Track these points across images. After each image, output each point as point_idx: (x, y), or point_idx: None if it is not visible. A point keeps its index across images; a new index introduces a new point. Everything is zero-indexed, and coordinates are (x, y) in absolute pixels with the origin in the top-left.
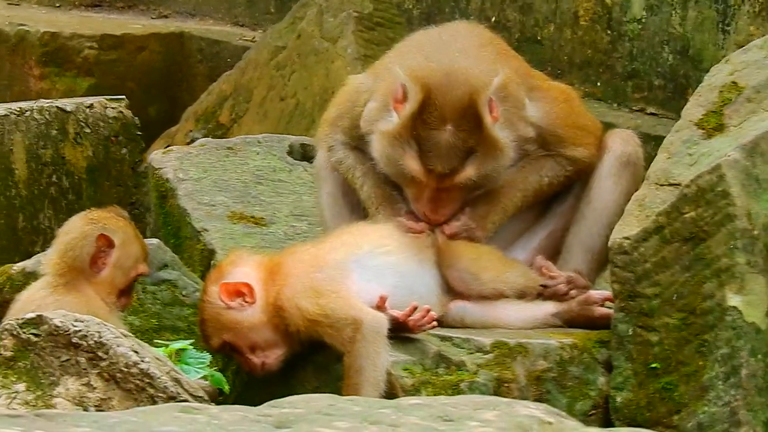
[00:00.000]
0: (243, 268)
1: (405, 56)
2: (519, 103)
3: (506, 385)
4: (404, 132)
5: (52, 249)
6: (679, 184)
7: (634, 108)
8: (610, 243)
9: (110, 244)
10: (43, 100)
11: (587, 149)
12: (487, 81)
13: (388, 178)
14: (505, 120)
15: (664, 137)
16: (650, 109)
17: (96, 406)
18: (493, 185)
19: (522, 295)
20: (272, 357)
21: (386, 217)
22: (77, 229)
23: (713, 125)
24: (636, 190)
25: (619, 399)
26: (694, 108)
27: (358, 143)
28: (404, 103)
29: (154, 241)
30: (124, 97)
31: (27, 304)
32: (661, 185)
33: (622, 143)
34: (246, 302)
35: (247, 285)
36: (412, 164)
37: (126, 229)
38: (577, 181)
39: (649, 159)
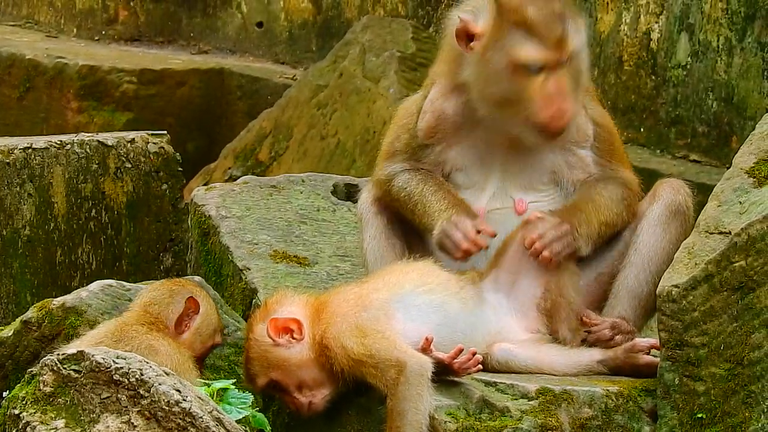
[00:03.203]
0: (290, 306)
1: None
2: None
3: (550, 431)
4: (499, 35)
5: (134, 302)
6: (729, 233)
7: (677, 155)
8: (658, 290)
9: (196, 310)
10: (84, 134)
11: (632, 176)
12: None
13: (453, 186)
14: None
15: (708, 185)
16: (693, 156)
17: None
18: (582, 75)
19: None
20: (319, 396)
21: (462, 215)
22: (164, 287)
23: (765, 174)
24: (684, 239)
25: None
26: (746, 156)
27: (418, 158)
28: (467, 35)
29: (196, 278)
30: (165, 132)
31: (101, 337)
32: (711, 233)
33: (672, 192)
34: (294, 338)
35: (296, 321)
36: (526, 52)
37: (207, 299)
38: (631, 216)
39: (694, 207)
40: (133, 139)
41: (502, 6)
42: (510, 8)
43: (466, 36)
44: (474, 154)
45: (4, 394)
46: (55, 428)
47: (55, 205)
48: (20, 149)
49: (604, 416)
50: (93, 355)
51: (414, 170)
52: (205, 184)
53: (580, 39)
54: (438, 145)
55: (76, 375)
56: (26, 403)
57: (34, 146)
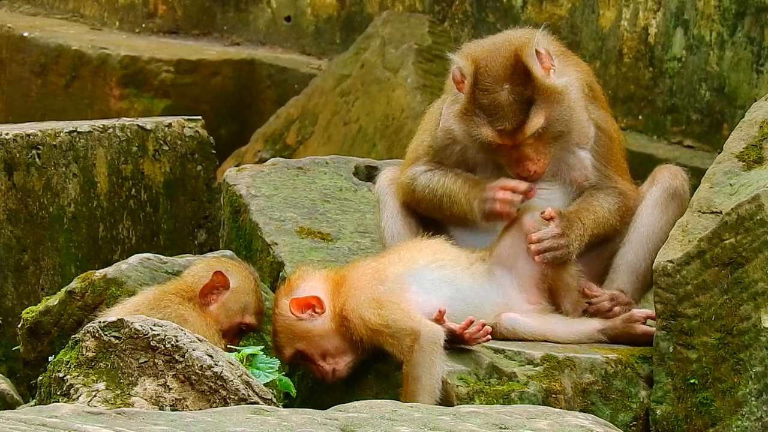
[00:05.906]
0: (311, 281)
1: None
2: (580, 94)
3: (554, 395)
4: (470, 105)
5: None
6: (720, 212)
7: (672, 141)
8: (654, 265)
9: (225, 285)
10: (125, 119)
11: (629, 186)
12: (531, 38)
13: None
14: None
15: (700, 168)
16: (687, 142)
17: (171, 405)
18: (568, 130)
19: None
20: (342, 363)
21: (489, 192)
22: (205, 261)
23: (753, 158)
24: None
25: (658, 412)
26: (736, 141)
27: (440, 159)
28: (464, 81)
29: (228, 252)
30: (200, 117)
31: (139, 304)
32: (704, 213)
33: (670, 177)
34: (316, 312)
35: (316, 298)
36: (484, 131)
37: (246, 280)
38: (623, 225)
39: (690, 191)
40: (171, 123)
41: (471, 84)
42: (472, 89)
43: (461, 80)
44: (487, 155)
45: (50, 358)
46: (96, 390)
47: (98, 184)
48: (66, 133)
49: (603, 381)
50: (132, 323)
51: (434, 169)
52: (236, 166)
53: (537, 122)
54: (458, 145)
55: (116, 341)
56: (70, 367)
57: (78, 130)
